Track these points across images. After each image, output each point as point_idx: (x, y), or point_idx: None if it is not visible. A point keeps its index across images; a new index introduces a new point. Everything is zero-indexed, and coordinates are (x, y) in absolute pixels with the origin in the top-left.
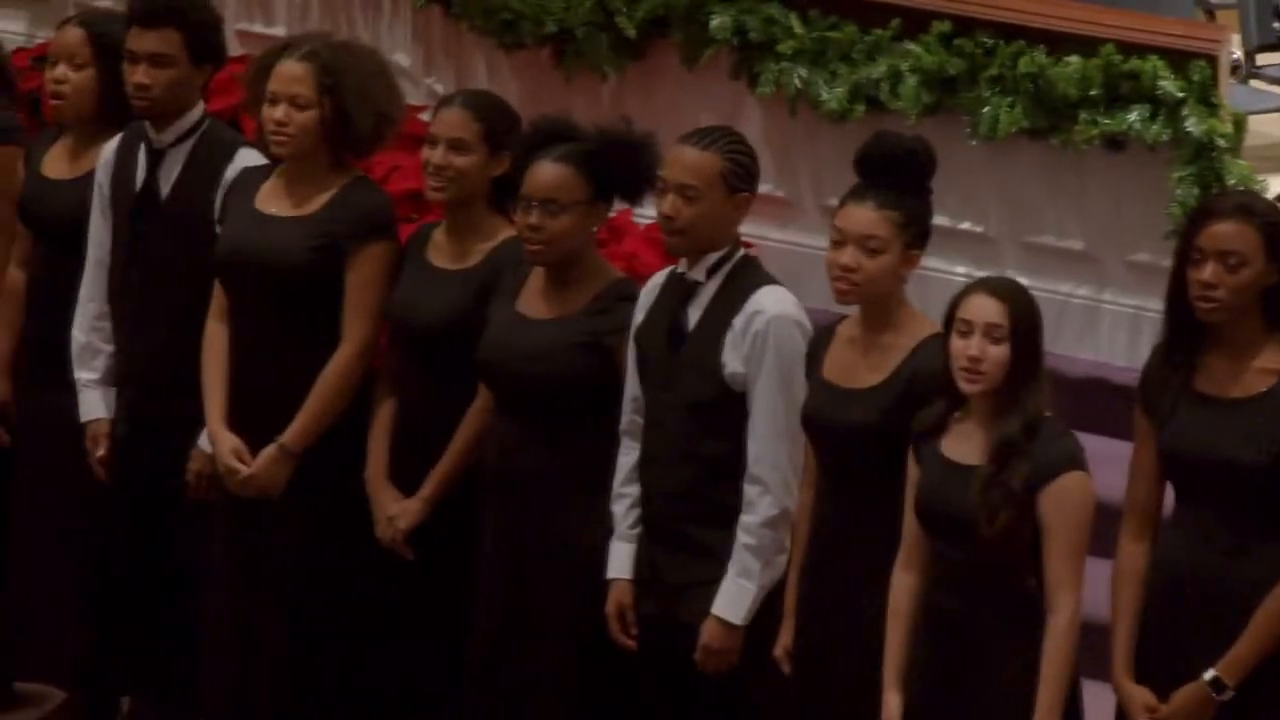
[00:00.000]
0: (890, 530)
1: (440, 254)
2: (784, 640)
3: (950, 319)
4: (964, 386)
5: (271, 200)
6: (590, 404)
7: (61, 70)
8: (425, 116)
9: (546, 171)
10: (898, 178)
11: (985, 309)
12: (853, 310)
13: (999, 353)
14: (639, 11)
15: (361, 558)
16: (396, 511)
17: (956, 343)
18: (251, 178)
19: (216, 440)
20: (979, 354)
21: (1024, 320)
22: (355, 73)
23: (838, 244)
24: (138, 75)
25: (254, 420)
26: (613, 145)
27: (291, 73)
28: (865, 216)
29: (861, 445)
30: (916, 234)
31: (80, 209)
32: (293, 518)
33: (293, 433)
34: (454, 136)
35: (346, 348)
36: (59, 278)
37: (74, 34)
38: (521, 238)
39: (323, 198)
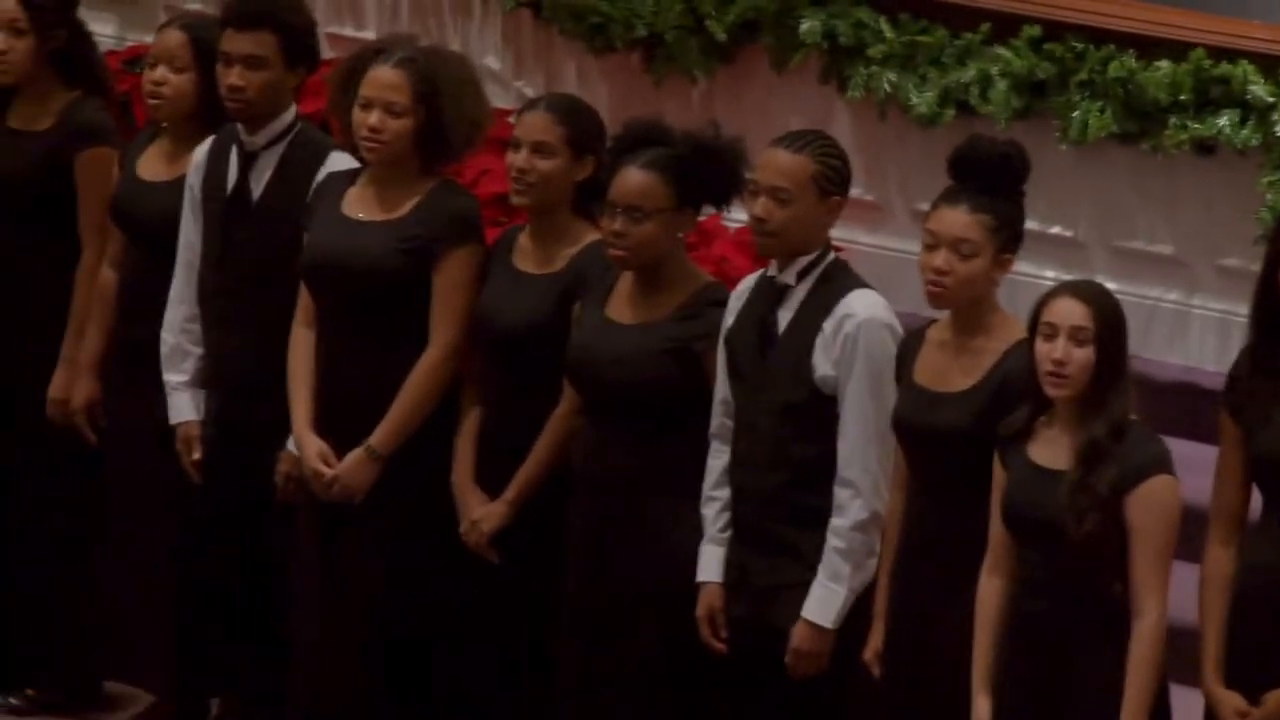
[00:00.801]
0: (980, 534)
1: (525, 258)
2: (874, 643)
3: (1035, 322)
4: (1049, 390)
5: (359, 205)
6: (678, 408)
7: (161, 72)
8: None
9: (632, 178)
10: (991, 181)
11: (1069, 312)
12: (943, 314)
13: (1083, 355)
14: (729, 15)
15: (446, 561)
16: (481, 515)
17: (1041, 346)
18: (336, 183)
19: (302, 444)
20: (1063, 357)
21: (1108, 322)
22: (450, 80)
23: (930, 247)
24: (232, 77)
25: (341, 424)
26: (700, 151)
27: (387, 79)
28: (958, 219)
29: (952, 449)
30: (1009, 238)
31: (174, 211)
32: (378, 521)
33: (380, 435)
34: (537, 140)
35: (433, 351)
36: (151, 279)
37: (174, 37)
38: (606, 243)
39: (410, 202)
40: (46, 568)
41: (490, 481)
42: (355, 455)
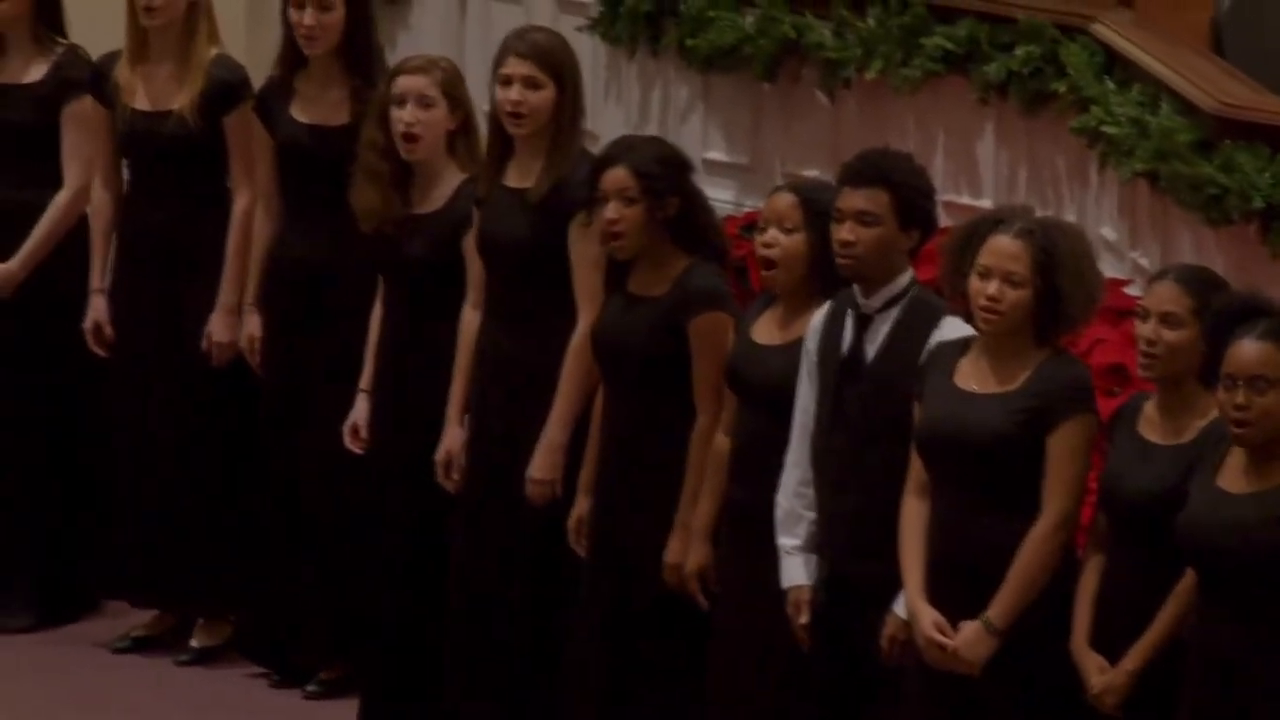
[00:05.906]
0: None
1: (1152, 428)
2: None
3: None
4: None
5: (972, 376)
6: None
7: (771, 234)
8: (1129, 290)
9: (1249, 350)
10: None
11: None
12: None
13: None
14: None
15: None
16: (1102, 687)
17: None
18: (948, 352)
19: (917, 614)
20: None
21: None
22: (1068, 254)
23: None
24: (843, 233)
25: (951, 594)
26: None
27: (1007, 249)
28: None
29: None
30: None
31: (788, 375)
32: (995, 694)
33: (998, 608)
34: (1165, 311)
35: (1046, 520)
36: (765, 443)
37: (784, 199)
38: (1227, 419)
39: (1024, 374)
40: None
41: (1113, 649)
42: (974, 629)
